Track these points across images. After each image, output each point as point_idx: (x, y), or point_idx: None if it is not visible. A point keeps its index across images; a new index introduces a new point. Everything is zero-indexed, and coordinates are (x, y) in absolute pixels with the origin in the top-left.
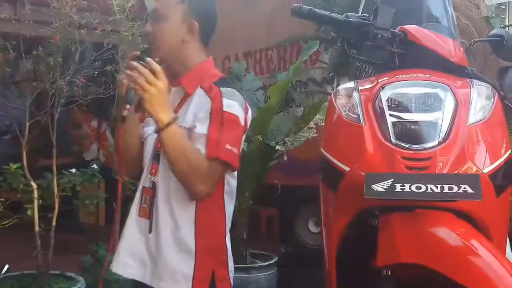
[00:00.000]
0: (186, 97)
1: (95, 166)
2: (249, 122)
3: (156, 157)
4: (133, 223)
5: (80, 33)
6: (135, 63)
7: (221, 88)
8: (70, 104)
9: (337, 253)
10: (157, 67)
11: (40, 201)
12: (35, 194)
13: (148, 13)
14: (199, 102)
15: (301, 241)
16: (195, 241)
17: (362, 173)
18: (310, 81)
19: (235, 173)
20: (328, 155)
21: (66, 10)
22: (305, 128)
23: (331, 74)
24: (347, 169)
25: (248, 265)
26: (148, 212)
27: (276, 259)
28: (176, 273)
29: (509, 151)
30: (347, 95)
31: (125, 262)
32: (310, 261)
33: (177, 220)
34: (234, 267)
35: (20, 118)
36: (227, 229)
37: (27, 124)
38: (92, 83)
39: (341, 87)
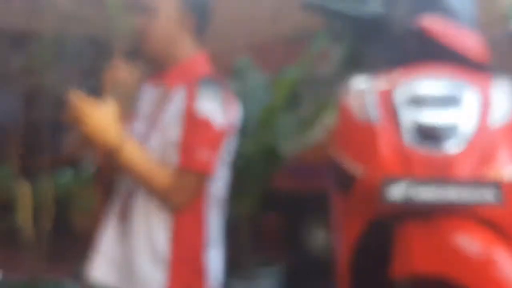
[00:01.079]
0: (165, 96)
1: (89, 168)
2: (235, 121)
3: None
4: (109, 226)
5: (74, 29)
6: (115, 61)
7: (201, 87)
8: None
9: (351, 262)
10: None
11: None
12: (27, 196)
13: (138, 6)
14: (176, 99)
15: (307, 249)
16: (172, 250)
17: (377, 176)
18: (318, 78)
19: (223, 179)
20: (340, 157)
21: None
22: (313, 128)
23: (340, 71)
24: (360, 172)
25: (252, 274)
26: (125, 216)
27: (280, 266)
28: (149, 281)
29: None
30: (360, 93)
31: (101, 265)
32: (315, 269)
33: (153, 226)
34: (238, 275)
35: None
36: (209, 239)
37: (20, 122)
38: (84, 78)
39: (352, 84)
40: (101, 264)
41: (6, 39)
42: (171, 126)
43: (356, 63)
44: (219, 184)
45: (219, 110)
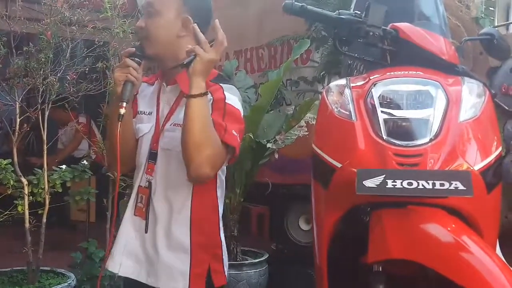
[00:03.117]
0: (182, 95)
1: (85, 162)
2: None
3: (152, 156)
4: (129, 222)
5: (71, 30)
6: (127, 60)
7: (221, 84)
8: (61, 101)
9: (328, 250)
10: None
11: (31, 197)
12: (26, 190)
13: (140, 9)
14: None
15: (291, 239)
16: (191, 239)
17: (353, 169)
18: (301, 80)
19: (225, 168)
20: (319, 152)
21: (57, 7)
22: (296, 126)
23: (322, 73)
24: (339, 165)
25: (239, 262)
26: (144, 211)
27: (266, 256)
28: (173, 271)
29: (500, 148)
30: (339, 91)
31: (121, 260)
32: (300, 258)
33: (173, 219)
34: None
35: (10, 114)
36: (221, 224)
37: (18, 120)
38: (82, 80)
39: (332, 84)
40: (122, 258)
41: (6, 41)
42: None
43: (335, 65)
44: (223, 168)
45: (241, 108)
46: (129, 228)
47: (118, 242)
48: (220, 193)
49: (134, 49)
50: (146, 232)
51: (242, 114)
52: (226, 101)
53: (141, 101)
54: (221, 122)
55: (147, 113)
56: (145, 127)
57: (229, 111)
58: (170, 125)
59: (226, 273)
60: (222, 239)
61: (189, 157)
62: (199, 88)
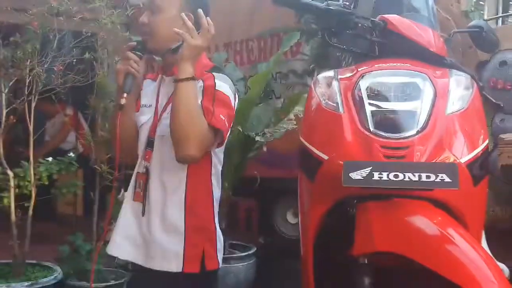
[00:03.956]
0: None
1: (72, 154)
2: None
3: (150, 143)
4: (128, 207)
5: (59, 20)
6: (128, 53)
7: (213, 73)
8: (47, 92)
9: (314, 242)
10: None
11: (17, 190)
12: (12, 182)
13: (129, 3)
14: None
15: (279, 232)
16: (185, 221)
17: (340, 161)
18: (291, 72)
19: (221, 158)
20: (307, 144)
21: None
22: (285, 119)
23: (311, 66)
24: (326, 157)
25: (227, 256)
26: (142, 196)
27: (254, 249)
28: (167, 252)
29: (487, 141)
30: (327, 83)
31: (120, 244)
32: (288, 251)
33: (168, 201)
34: None
35: None
36: (216, 211)
37: (4, 112)
38: (70, 71)
39: (320, 75)
40: (121, 242)
41: None
42: None
43: (325, 58)
44: (219, 155)
45: (232, 95)
46: (128, 214)
47: (118, 227)
48: (216, 182)
49: (135, 43)
50: (143, 215)
51: (233, 102)
52: (216, 87)
53: (144, 96)
54: (209, 106)
55: (147, 106)
56: (145, 117)
57: (219, 97)
58: (167, 113)
59: (219, 259)
60: (216, 225)
61: (175, 139)
62: (186, 72)
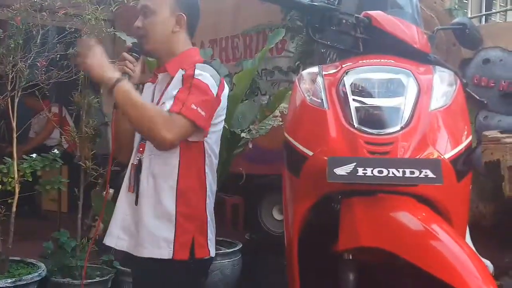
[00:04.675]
0: (171, 79)
1: (56, 151)
2: (224, 100)
3: (143, 138)
4: (123, 198)
5: (42, 16)
6: (125, 54)
7: (197, 64)
8: (31, 88)
9: (299, 238)
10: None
11: (0, 186)
12: None
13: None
14: (177, 79)
15: (265, 228)
16: (176, 208)
17: (325, 157)
18: (276, 69)
19: (217, 151)
20: (291, 140)
21: None
22: (271, 116)
23: (296, 63)
24: (310, 153)
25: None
26: (133, 186)
27: (240, 245)
28: (158, 239)
29: (470, 137)
30: (311, 79)
31: (117, 235)
32: (274, 247)
33: (159, 189)
34: None
35: None
36: (209, 202)
37: None
38: (54, 67)
39: (305, 71)
40: (117, 233)
41: None
42: (171, 91)
43: (310, 55)
44: (214, 148)
45: (213, 83)
46: (123, 205)
47: (114, 218)
48: (211, 174)
49: (131, 44)
50: (136, 204)
51: (213, 89)
52: (195, 76)
53: (143, 98)
54: (182, 97)
55: None
56: None
57: (195, 85)
58: (160, 105)
59: (210, 249)
60: (208, 216)
61: (144, 134)
62: (110, 78)
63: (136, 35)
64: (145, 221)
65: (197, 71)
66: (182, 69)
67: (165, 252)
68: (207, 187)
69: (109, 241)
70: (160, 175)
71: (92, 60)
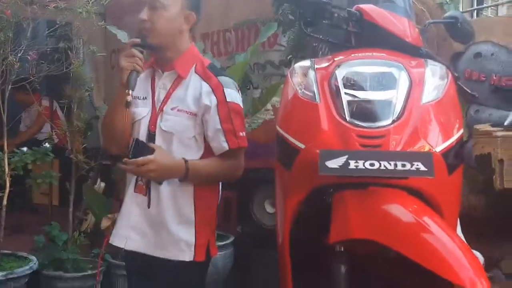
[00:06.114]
0: (179, 80)
1: (47, 144)
2: None
3: (151, 137)
4: (130, 199)
5: (32, 9)
6: (133, 50)
7: (218, 78)
8: (21, 82)
9: (291, 231)
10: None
11: None
12: None
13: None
14: (197, 86)
15: (257, 222)
16: (195, 213)
17: (317, 150)
18: (268, 63)
19: None
20: (283, 133)
21: None
22: (263, 110)
23: (289, 57)
24: (302, 146)
25: None
26: (145, 188)
27: (232, 239)
28: (180, 243)
29: (462, 130)
30: (303, 73)
31: (126, 235)
32: (266, 240)
33: (178, 197)
34: None
35: None
36: (218, 202)
37: None
38: (44, 61)
39: (297, 65)
40: (126, 233)
41: None
42: (196, 107)
43: (302, 49)
44: None
45: (240, 97)
46: (131, 205)
47: (121, 218)
48: None
49: (139, 40)
50: (149, 207)
51: (241, 104)
52: (227, 100)
53: (138, 88)
54: (230, 127)
55: (141, 98)
56: (142, 111)
57: (233, 110)
58: (171, 109)
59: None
60: (217, 218)
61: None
62: (179, 176)
63: (140, 27)
64: (168, 226)
65: (226, 92)
66: (196, 72)
67: (187, 255)
68: (219, 188)
69: (117, 241)
70: (178, 183)
71: (157, 169)
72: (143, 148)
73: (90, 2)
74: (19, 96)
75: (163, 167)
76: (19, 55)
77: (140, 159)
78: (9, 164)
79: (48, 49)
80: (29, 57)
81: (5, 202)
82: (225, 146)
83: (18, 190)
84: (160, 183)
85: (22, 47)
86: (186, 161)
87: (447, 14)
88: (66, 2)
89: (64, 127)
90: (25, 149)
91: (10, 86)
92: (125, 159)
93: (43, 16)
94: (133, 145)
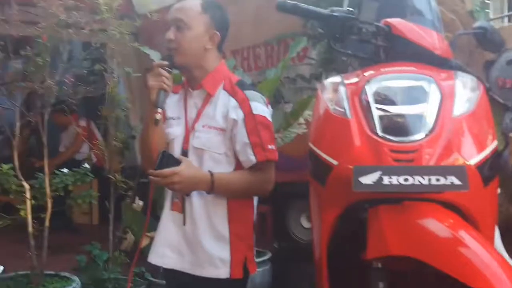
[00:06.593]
0: (208, 98)
1: (86, 165)
2: None
3: (184, 155)
4: (167, 217)
5: (68, 33)
6: (160, 69)
7: (245, 92)
8: (60, 104)
9: (328, 247)
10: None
11: (33, 201)
12: (28, 194)
13: (136, 13)
14: (225, 103)
15: (294, 237)
16: (229, 229)
17: (349, 166)
18: (299, 77)
19: None
20: (316, 149)
21: (53, 10)
22: (295, 124)
23: (319, 70)
24: (335, 162)
25: None
26: (181, 206)
27: (269, 255)
28: (215, 260)
29: (495, 142)
30: (334, 89)
31: (163, 253)
32: (303, 256)
33: (211, 212)
34: None
35: (10, 119)
36: (254, 217)
37: (18, 124)
38: (81, 82)
39: (327, 81)
40: (163, 251)
41: (3, 45)
42: (225, 123)
43: (332, 62)
44: None
45: (267, 111)
46: (168, 223)
47: (158, 237)
48: None
49: (166, 62)
50: (184, 224)
51: (270, 117)
52: (254, 112)
53: (169, 108)
54: (257, 140)
55: (175, 118)
56: (176, 130)
57: (260, 123)
58: (202, 126)
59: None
60: (253, 233)
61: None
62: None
63: (167, 47)
64: (203, 243)
65: (252, 105)
66: (224, 89)
67: (222, 272)
68: (254, 202)
69: (155, 259)
70: (210, 197)
71: (182, 180)
72: (170, 160)
73: (123, 24)
74: (58, 117)
75: (188, 179)
76: (56, 78)
77: (166, 170)
78: (50, 186)
79: (84, 71)
80: (66, 80)
81: (47, 223)
82: (253, 159)
83: (58, 210)
84: (187, 194)
85: (60, 70)
86: (211, 173)
87: (476, 25)
88: (100, 24)
89: (102, 147)
90: (65, 170)
91: (49, 109)
92: (151, 170)
93: (78, 39)
94: (160, 157)
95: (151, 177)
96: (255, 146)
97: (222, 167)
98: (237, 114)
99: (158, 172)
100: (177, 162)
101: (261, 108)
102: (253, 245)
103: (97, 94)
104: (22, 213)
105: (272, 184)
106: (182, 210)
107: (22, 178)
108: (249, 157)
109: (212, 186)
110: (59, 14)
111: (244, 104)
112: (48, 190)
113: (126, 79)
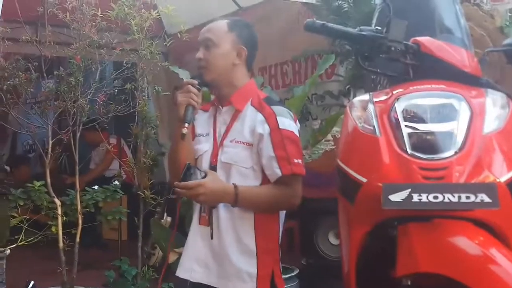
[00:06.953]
0: (236, 113)
1: (117, 182)
2: None
3: (212, 170)
4: (195, 231)
5: (100, 53)
6: (189, 86)
7: (272, 107)
8: (92, 122)
9: (357, 265)
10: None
11: (64, 217)
12: (59, 211)
13: (167, 33)
14: (252, 118)
15: (321, 253)
16: (256, 243)
17: (379, 184)
18: (327, 94)
19: None
20: (344, 167)
21: (86, 31)
22: (323, 140)
23: (347, 87)
24: (364, 180)
25: None
26: (208, 220)
27: (297, 271)
28: (242, 273)
29: None
30: (362, 107)
31: (191, 267)
32: (331, 272)
33: (238, 225)
34: None
35: (43, 137)
36: (280, 231)
37: (50, 142)
38: (112, 101)
39: (356, 99)
40: (191, 265)
41: (37, 65)
42: (252, 137)
43: (360, 79)
44: None
45: (295, 126)
46: (196, 238)
47: (186, 251)
48: None
49: (196, 81)
50: (212, 238)
51: (297, 133)
52: (280, 127)
53: (198, 126)
54: (283, 154)
55: (204, 135)
56: (204, 146)
57: (287, 137)
58: (230, 141)
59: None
60: (278, 245)
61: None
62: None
63: (197, 66)
64: (230, 257)
65: (279, 120)
66: (252, 104)
67: (249, 286)
68: (279, 218)
69: (182, 273)
70: (236, 210)
71: (206, 193)
72: (195, 172)
73: (154, 44)
74: (89, 135)
75: (212, 191)
76: (88, 97)
77: (190, 182)
78: (81, 202)
79: (115, 90)
80: (98, 99)
81: (77, 239)
82: (278, 172)
83: (88, 226)
84: (213, 207)
85: (91, 90)
86: (235, 186)
87: (505, 42)
88: (131, 44)
89: (132, 164)
90: (96, 187)
91: (80, 127)
92: (177, 182)
93: (110, 59)
94: (185, 170)
95: (176, 189)
96: (280, 159)
97: (249, 182)
98: (264, 129)
99: (184, 184)
100: (202, 175)
101: (288, 123)
102: (279, 260)
103: (128, 113)
104: (53, 229)
105: (299, 199)
106: (209, 224)
107: (53, 195)
108: (275, 171)
109: (236, 199)
110: (91, 35)
111: (270, 119)
112: (79, 206)
113: (156, 97)
